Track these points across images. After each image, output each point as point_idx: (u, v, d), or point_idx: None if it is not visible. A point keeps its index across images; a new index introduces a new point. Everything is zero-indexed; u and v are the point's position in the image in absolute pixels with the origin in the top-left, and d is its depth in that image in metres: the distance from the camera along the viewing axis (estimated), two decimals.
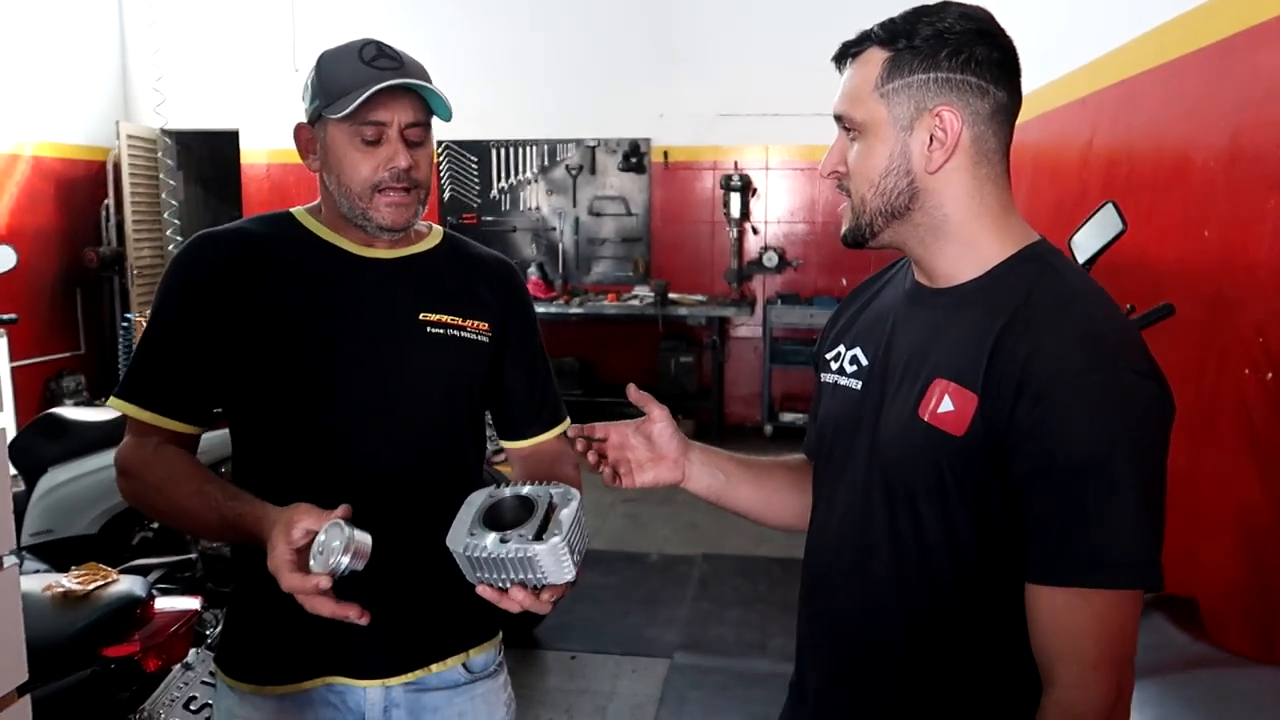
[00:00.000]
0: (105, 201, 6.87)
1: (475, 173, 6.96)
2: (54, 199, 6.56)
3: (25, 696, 0.74)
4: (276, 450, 1.34)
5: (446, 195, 7.00)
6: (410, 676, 1.35)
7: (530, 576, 1.05)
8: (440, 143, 6.86)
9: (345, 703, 1.34)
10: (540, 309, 6.50)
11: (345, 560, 1.03)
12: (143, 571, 2.08)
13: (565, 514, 1.07)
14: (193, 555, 2.45)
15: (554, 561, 1.03)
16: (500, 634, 1.47)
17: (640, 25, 6.69)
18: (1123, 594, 0.95)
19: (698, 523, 4.96)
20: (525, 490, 1.11)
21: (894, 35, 1.06)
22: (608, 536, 4.77)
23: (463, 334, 1.37)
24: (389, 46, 1.30)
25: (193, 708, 1.90)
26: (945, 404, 1.03)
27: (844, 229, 1.13)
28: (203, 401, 1.33)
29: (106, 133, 6.83)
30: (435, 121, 1.34)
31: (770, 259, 6.65)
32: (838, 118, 1.10)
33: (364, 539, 1.04)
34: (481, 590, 1.08)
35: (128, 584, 1.93)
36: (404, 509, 1.31)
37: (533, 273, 6.77)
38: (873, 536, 1.11)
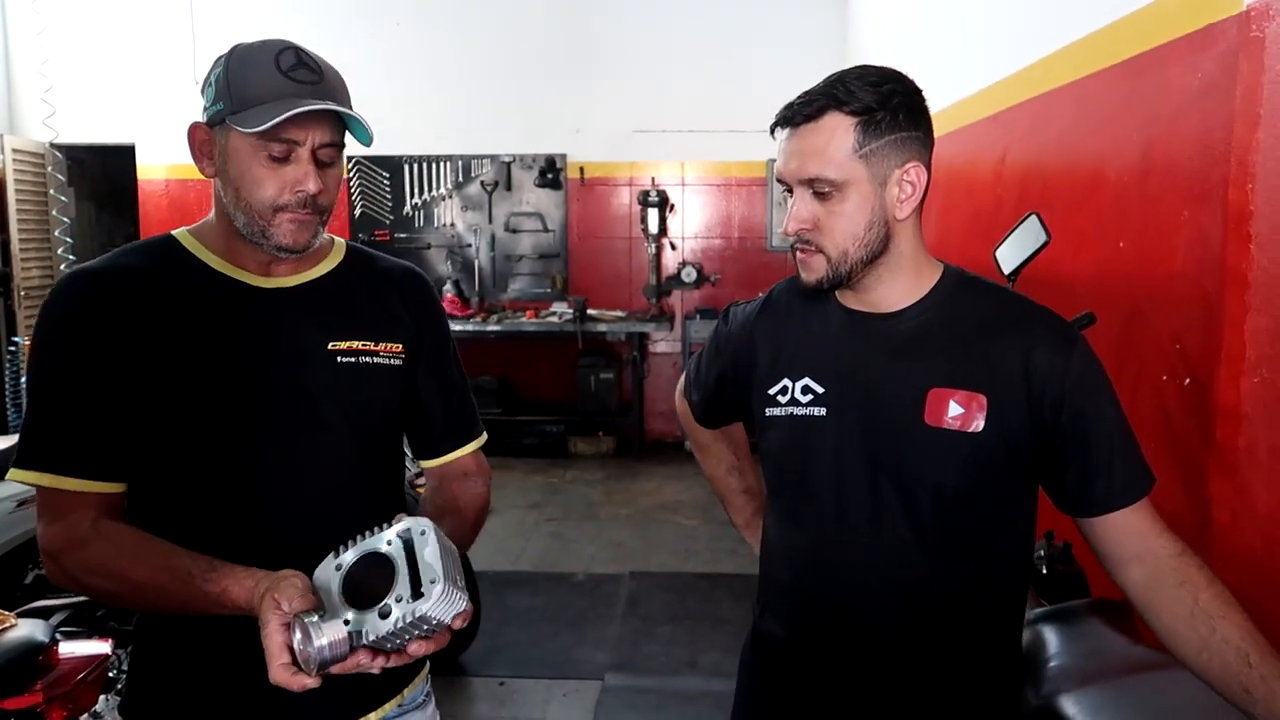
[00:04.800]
0: None
1: (387, 188, 6.81)
2: None
3: None
4: (182, 498, 1.21)
5: (358, 212, 6.83)
6: None
7: (426, 629, 1.00)
8: (351, 158, 6.68)
9: None
10: (457, 327, 6.38)
11: (327, 653, 0.97)
12: (44, 614, 1.93)
13: (429, 553, 0.99)
14: None
15: (445, 605, 0.98)
16: (428, 664, 1.42)
17: (556, 41, 6.67)
18: None
19: (623, 540, 4.92)
20: (370, 546, 1.02)
21: (849, 100, 1.17)
22: (532, 557, 4.69)
23: (375, 360, 1.29)
24: (308, 54, 1.20)
25: None
26: (952, 409, 1.20)
27: (814, 278, 1.24)
28: (120, 453, 1.19)
29: None
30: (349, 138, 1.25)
31: (688, 274, 6.68)
32: (807, 180, 1.19)
33: (331, 628, 0.98)
34: (376, 663, 1.00)
35: (27, 628, 1.79)
36: (328, 545, 1.16)
37: (448, 290, 6.65)
38: (886, 539, 1.24)
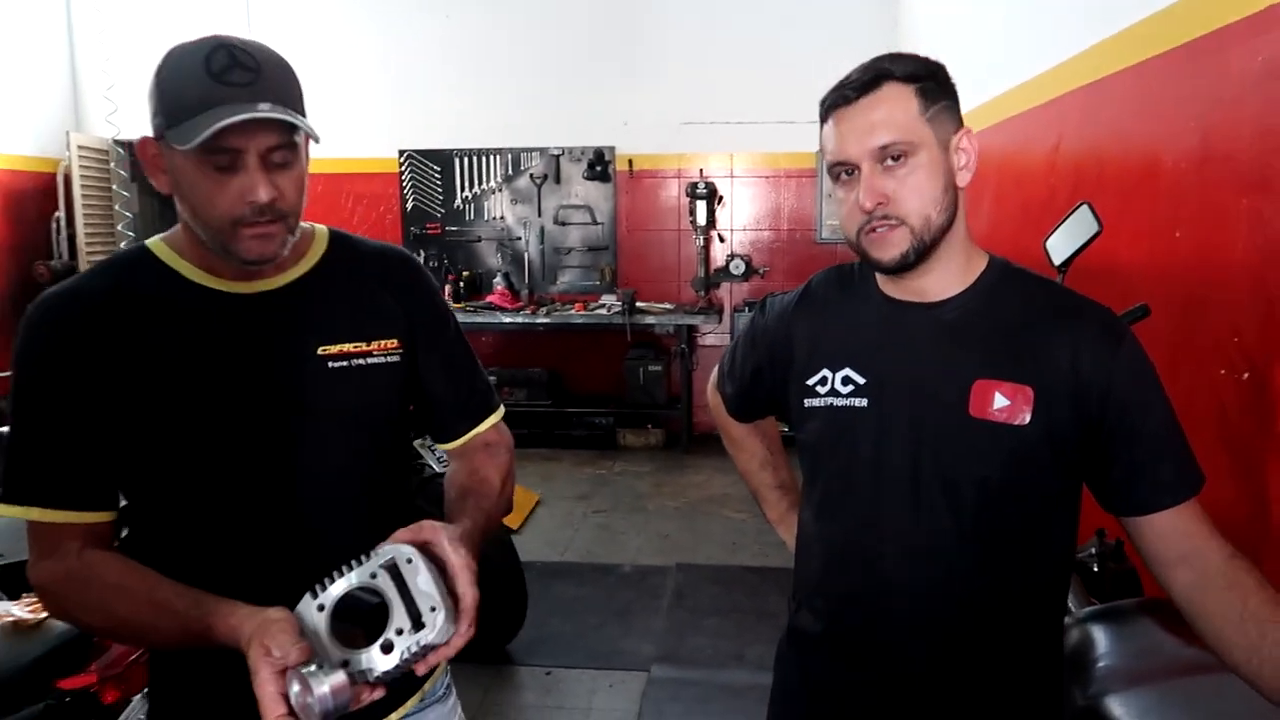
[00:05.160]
0: (56, 214, 6.69)
1: (438, 182, 6.88)
2: (1, 212, 6.38)
3: None
4: (175, 516, 1.19)
5: (409, 205, 6.91)
6: None
7: (428, 654, 0.98)
8: (402, 152, 6.77)
9: None
10: (506, 319, 6.43)
11: (330, 704, 0.93)
12: None
13: (422, 580, 0.97)
14: None
15: (445, 630, 0.97)
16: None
17: (605, 33, 6.67)
18: None
19: (670, 532, 4.92)
20: (354, 581, 0.98)
21: (902, 69, 1.17)
22: (580, 548, 4.71)
23: (369, 360, 1.23)
24: (243, 51, 1.09)
25: None
26: (998, 401, 1.18)
27: (896, 253, 1.19)
28: (107, 481, 1.15)
29: (56, 143, 6.66)
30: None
31: (737, 266, 6.64)
32: (878, 149, 1.16)
33: (334, 678, 0.93)
34: (378, 692, 0.98)
35: None
36: (328, 561, 1.13)
37: (498, 283, 6.69)
38: (926, 533, 1.22)
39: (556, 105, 6.72)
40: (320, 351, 1.21)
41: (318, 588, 0.99)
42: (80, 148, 6.59)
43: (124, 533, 1.24)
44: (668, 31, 6.61)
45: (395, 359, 1.27)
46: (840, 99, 1.19)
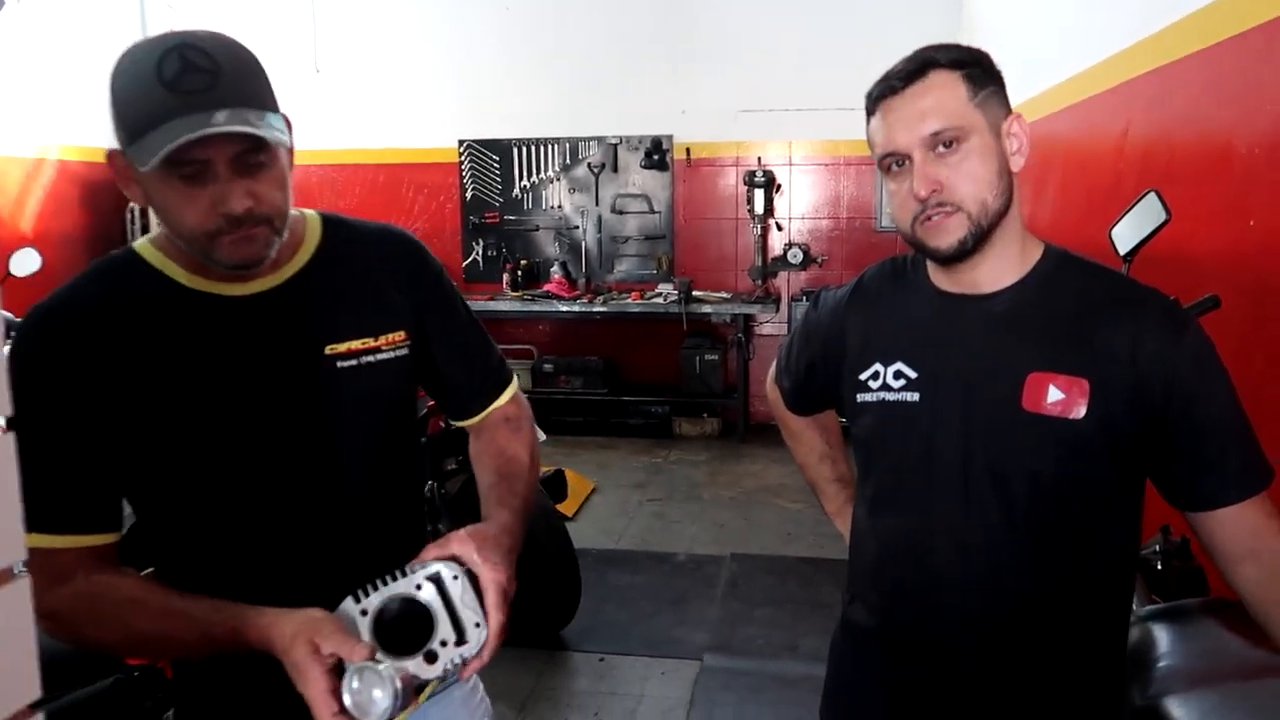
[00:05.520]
0: (130, 205, 6.91)
1: (497, 171, 6.93)
2: (79, 202, 6.60)
3: (38, 713, 0.71)
4: (188, 527, 1.16)
5: (469, 195, 6.98)
6: None
7: (465, 665, 1.01)
8: (462, 141, 6.84)
9: None
10: (564, 308, 6.47)
11: (391, 707, 0.92)
12: None
13: (468, 597, 1.00)
14: None
15: (482, 639, 1.00)
16: None
17: (662, 21, 6.65)
18: None
19: (725, 522, 4.91)
20: (399, 591, 0.99)
21: (948, 57, 1.16)
22: (634, 536, 4.73)
23: (379, 356, 1.19)
24: (197, 49, 1.01)
25: None
26: (1052, 394, 1.15)
27: (954, 239, 1.17)
28: (110, 501, 1.12)
29: None
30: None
31: (795, 255, 6.59)
32: (930, 137, 1.15)
33: (400, 665, 0.95)
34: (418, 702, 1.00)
35: None
36: (345, 560, 1.14)
37: (556, 272, 6.73)
38: (978, 528, 1.20)
39: (614, 94, 6.73)
40: (328, 351, 1.16)
41: (360, 593, 0.99)
42: None
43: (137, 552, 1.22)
44: (726, 18, 6.56)
45: (404, 351, 1.23)
46: (887, 89, 1.18)
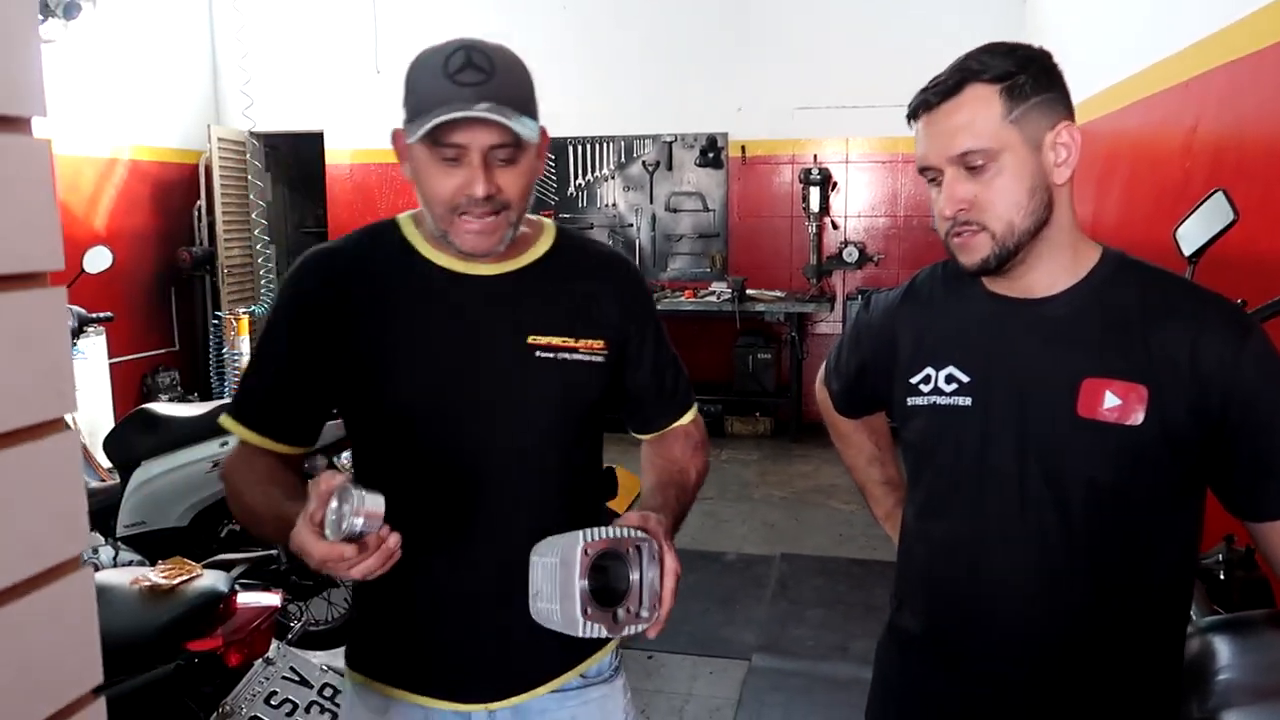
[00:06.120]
0: (197, 203, 7.10)
1: (552, 169, 6.98)
2: (150, 201, 6.81)
3: (100, 698, 0.74)
4: (386, 465, 1.30)
5: None
6: (517, 700, 1.31)
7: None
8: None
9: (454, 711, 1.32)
10: None
11: (358, 522, 1.00)
12: (226, 566, 2.11)
13: (652, 570, 1.08)
14: (274, 551, 2.49)
15: (653, 619, 1.09)
16: (617, 640, 1.42)
17: (717, 19, 6.63)
18: None
19: (775, 522, 4.89)
20: (617, 547, 1.07)
21: (987, 69, 1.13)
22: (685, 535, 4.71)
23: (574, 355, 1.29)
24: (480, 53, 1.17)
25: (274, 702, 1.92)
26: (1109, 400, 1.13)
27: (977, 258, 1.17)
28: (306, 425, 1.30)
29: (199, 136, 7.06)
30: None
31: (850, 254, 6.52)
32: (958, 157, 1.14)
33: (374, 500, 1.01)
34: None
35: (211, 579, 1.96)
36: (518, 531, 1.23)
37: None
38: (1032, 536, 1.18)
39: (670, 92, 6.73)
40: (530, 340, 1.28)
41: (589, 533, 1.06)
42: (220, 140, 6.97)
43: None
44: (782, 15, 6.53)
45: (599, 359, 1.32)
46: (922, 103, 1.17)
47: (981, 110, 1.13)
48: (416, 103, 1.17)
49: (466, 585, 1.28)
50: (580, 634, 1.04)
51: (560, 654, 1.32)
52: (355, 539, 1.01)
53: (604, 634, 1.05)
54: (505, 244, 1.25)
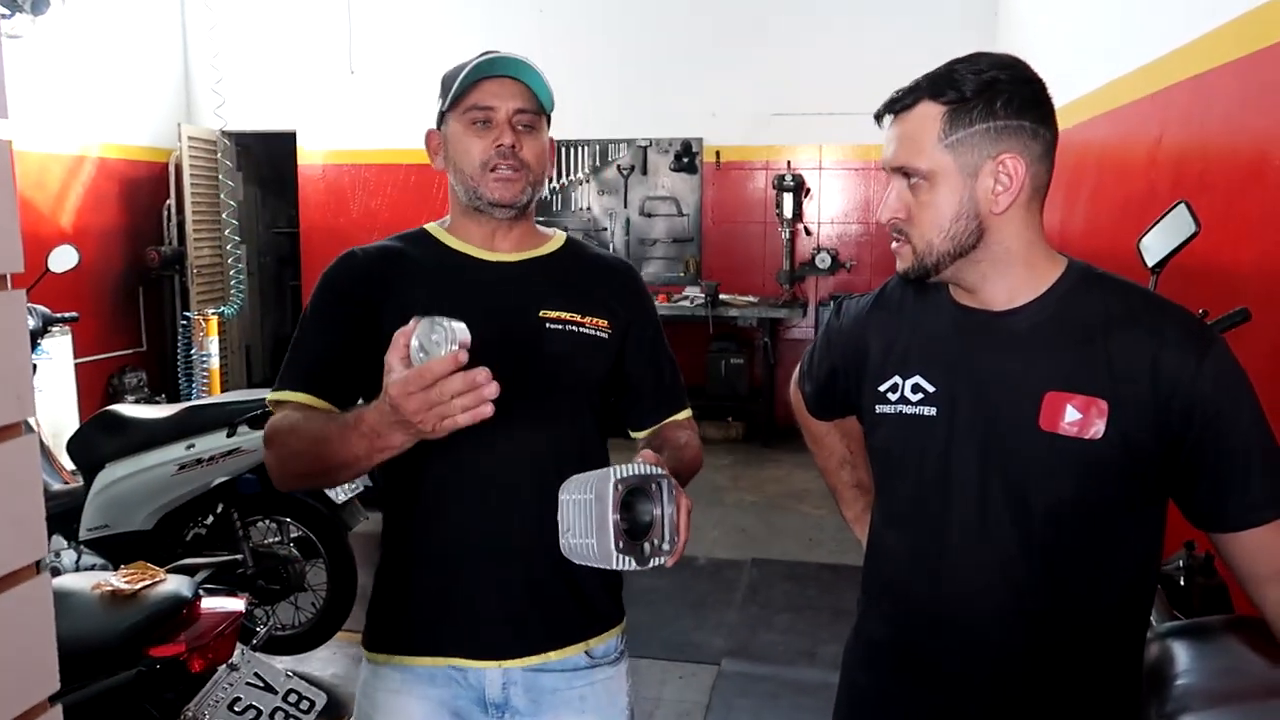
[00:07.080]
0: (167, 202, 7.01)
1: None
2: (118, 199, 6.72)
3: (56, 706, 0.73)
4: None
5: None
6: (529, 660, 1.40)
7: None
8: None
9: (466, 679, 1.39)
10: None
11: (453, 349, 1.04)
12: (190, 571, 2.09)
13: (671, 505, 1.16)
14: (239, 556, 2.47)
15: (673, 550, 1.16)
16: (624, 621, 1.51)
17: (694, 24, 6.65)
18: None
19: (746, 526, 4.90)
20: (644, 484, 1.15)
21: (943, 88, 1.13)
22: None
23: (581, 329, 1.42)
24: (508, 53, 1.38)
25: (237, 709, 1.91)
26: (1069, 414, 1.14)
27: (903, 267, 1.22)
28: (344, 384, 1.39)
29: (169, 134, 6.98)
30: None
31: (823, 260, 6.57)
32: (897, 168, 1.17)
33: (461, 327, 1.05)
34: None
35: (175, 584, 1.94)
36: (532, 495, 1.36)
37: None
38: (993, 545, 1.19)
39: (645, 97, 6.75)
40: (540, 314, 1.42)
41: (619, 468, 1.13)
42: (190, 139, 6.89)
43: None
44: (757, 22, 6.56)
45: (604, 335, 1.45)
46: (885, 107, 1.20)
47: (922, 129, 1.15)
48: (450, 84, 1.38)
49: (487, 540, 1.38)
50: (613, 566, 1.10)
51: (578, 616, 1.43)
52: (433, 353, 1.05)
53: (633, 566, 1.11)
54: (525, 199, 1.42)
